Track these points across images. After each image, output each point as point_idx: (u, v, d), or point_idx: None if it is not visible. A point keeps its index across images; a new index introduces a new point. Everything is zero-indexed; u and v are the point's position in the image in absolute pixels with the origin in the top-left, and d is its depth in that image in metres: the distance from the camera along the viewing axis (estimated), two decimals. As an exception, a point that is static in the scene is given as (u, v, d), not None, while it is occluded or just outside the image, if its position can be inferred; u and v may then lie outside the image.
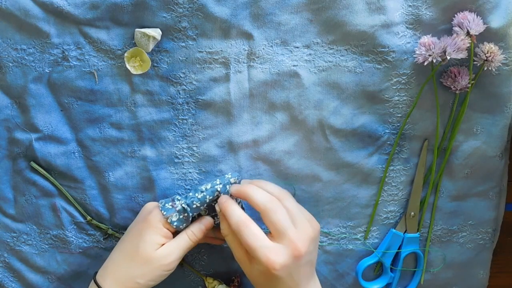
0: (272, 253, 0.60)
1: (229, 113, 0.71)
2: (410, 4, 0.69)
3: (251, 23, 0.69)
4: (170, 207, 0.66)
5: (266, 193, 0.63)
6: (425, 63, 0.67)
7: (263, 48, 0.69)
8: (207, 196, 0.66)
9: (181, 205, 0.66)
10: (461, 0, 0.68)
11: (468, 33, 0.66)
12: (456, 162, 0.73)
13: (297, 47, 0.70)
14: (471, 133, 0.72)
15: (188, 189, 0.72)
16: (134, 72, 0.69)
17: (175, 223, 0.65)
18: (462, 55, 0.66)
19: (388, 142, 0.72)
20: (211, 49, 0.69)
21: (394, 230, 0.73)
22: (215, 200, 0.67)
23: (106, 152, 0.71)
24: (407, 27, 0.69)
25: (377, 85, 0.70)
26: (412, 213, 0.73)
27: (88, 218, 0.72)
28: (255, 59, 0.70)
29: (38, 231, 0.73)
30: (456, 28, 0.67)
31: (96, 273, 0.66)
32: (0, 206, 0.72)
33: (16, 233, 0.73)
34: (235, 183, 0.68)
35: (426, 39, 0.67)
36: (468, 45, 0.66)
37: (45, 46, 0.69)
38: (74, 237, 0.73)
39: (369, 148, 0.72)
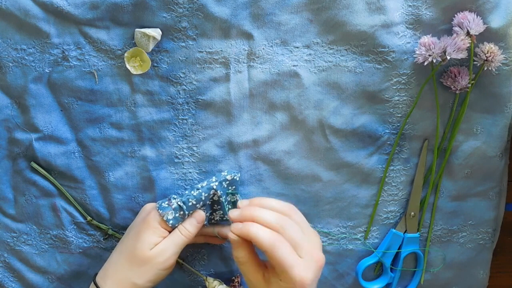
0: (303, 270, 0.59)
1: (229, 113, 0.71)
2: (410, 4, 0.69)
3: (251, 23, 0.69)
4: (166, 205, 0.66)
5: (269, 231, 0.59)
6: (425, 63, 0.67)
7: (263, 48, 0.69)
8: (203, 193, 0.66)
9: (177, 203, 0.66)
10: (461, 0, 0.68)
11: (468, 33, 0.66)
12: (456, 162, 0.73)
13: (297, 47, 0.70)
14: (471, 133, 0.72)
15: (188, 189, 0.72)
16: (134, 72, 0.69)
17: (171, 221, 0.65)
18: (462, 55, 0.66)
19: (388, 142, 0.72)
20: (211, 49, 0.69)
21: (394, 230, 0.73)
22: (211, 198, 0.68)
23: (106, 152, 0.71)
24: (407, 27, 0.69)
25: (377, 85, 0.70)
26: (412, 213, 0.73)
27: (88, 218, 0.72)
28: (255, 59, 0.70)
29: (38, 231, 0.73)
30: (456, 28, 0.67)
31: (96, 274, 0.66)
32: (0, 206, 0.72)
33: (16, 233, 0.73)
34: (232, 179, 0.68)
35: (426, 39, 0.67)
36: (468, 45, 0.66)
37: (45, 46, 0.69)
38: (74, 237, 0.73)
39: (369, 148, 0.72)
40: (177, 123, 0.71)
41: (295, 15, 0.69)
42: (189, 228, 0.66)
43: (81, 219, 0.73)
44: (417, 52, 0.67)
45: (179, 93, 0.70)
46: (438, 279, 0.76)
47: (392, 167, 0.73)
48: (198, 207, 0.67)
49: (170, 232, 0.66)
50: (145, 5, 0.67)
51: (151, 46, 0.68)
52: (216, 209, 0.69)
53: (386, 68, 0.70)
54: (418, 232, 0.74)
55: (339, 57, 0.70)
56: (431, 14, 0.69)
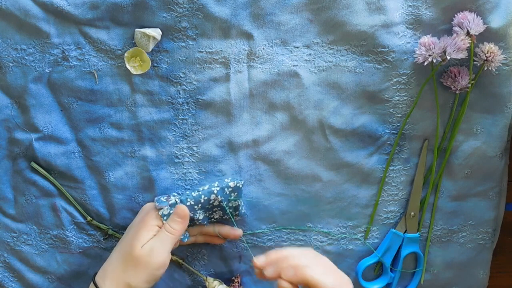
0: None
1: (229, 113, 0.71)
2: (410, 4, 0.69)
3: (251, 23, 0.69)
4: (164, 200, 0.66)
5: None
6: (425, 63, 0.67)
7: (263, 48, 0.69)
8: (202, 196, 0.66)
9: (175, 199, 0.66)
10: (461, 0, 0.68)
11: (468, 33, 0.66)
12: (456, 162, 0.73)
13: (297, 47, 0.70)
14: (471, 133, 0.72)
15: (188, 189, 0.72)
16: (134, 72, 0.69)
17: (165, 218, 0.65)
18: (462, 55, 0.66)
19: (388, 142, 0.72)
20: (211, 49, 0.69)
21: (394, 230, 0.73)
22: (211, 203, 0.67)
23: (106, 152, 0.71)
24: (407, 27, 0.69)
25: (377, 85, 0.70)
26: (412, 213, 0.73)
27: (88, 218, 0.72)
28: (255, 59, 0.70)
29: (38, 231, 0.73)
30: (456, 28, 0.67)
31: (95, 274, 0.66)
32: (0, 206, 0.72)
33: (16, 233, 0.73)
34: (234, 186, 0.68)
35: (426, 39, 0.67)
36: (468, 45, 0.66)
37: (45, 46, 0.69)
38: (74, 237, 0.73)
39: (369, 148, 0.72)
40: (177, 123, 0.71)
41: (295, 15, 0.69)
42: (172, 224, 0.65)
43: (81, 219, 0.73)
44: (417, 52, 0.67)
45: (179, 93, 0.70)
46: (438, 279, 0.76)
47: (392, 167, 0.73)
48: (196, 208, 0.67)
49: None
50: (145, 5, 0.67)
51: (151, 46, 0.68)
52: (216, 210, 0.69)
53: (386, 68, 0.70)
54: (418, 232, 0.74)
55: (339, 57, 0.70)
56: (431, 14, 0.69)
